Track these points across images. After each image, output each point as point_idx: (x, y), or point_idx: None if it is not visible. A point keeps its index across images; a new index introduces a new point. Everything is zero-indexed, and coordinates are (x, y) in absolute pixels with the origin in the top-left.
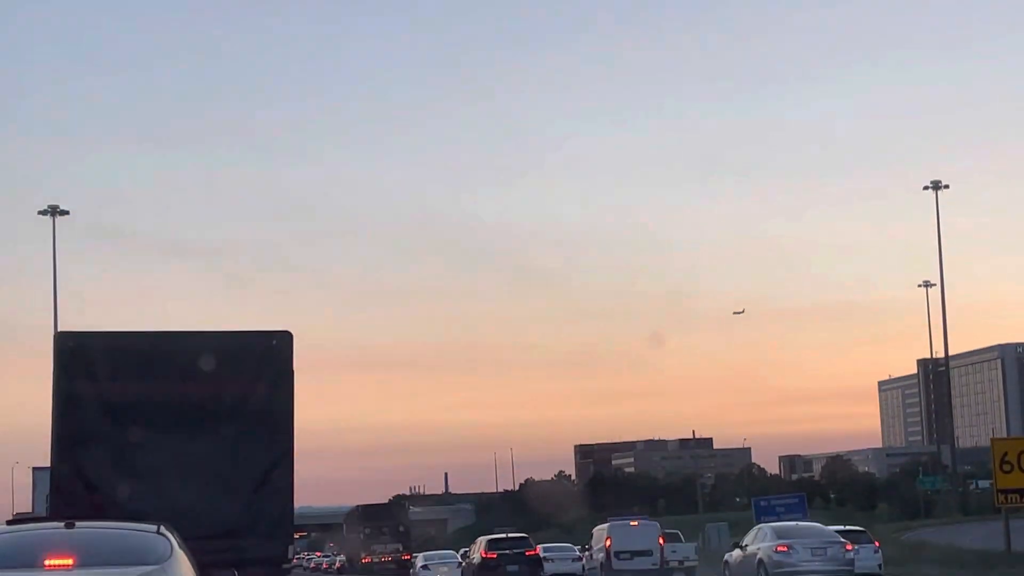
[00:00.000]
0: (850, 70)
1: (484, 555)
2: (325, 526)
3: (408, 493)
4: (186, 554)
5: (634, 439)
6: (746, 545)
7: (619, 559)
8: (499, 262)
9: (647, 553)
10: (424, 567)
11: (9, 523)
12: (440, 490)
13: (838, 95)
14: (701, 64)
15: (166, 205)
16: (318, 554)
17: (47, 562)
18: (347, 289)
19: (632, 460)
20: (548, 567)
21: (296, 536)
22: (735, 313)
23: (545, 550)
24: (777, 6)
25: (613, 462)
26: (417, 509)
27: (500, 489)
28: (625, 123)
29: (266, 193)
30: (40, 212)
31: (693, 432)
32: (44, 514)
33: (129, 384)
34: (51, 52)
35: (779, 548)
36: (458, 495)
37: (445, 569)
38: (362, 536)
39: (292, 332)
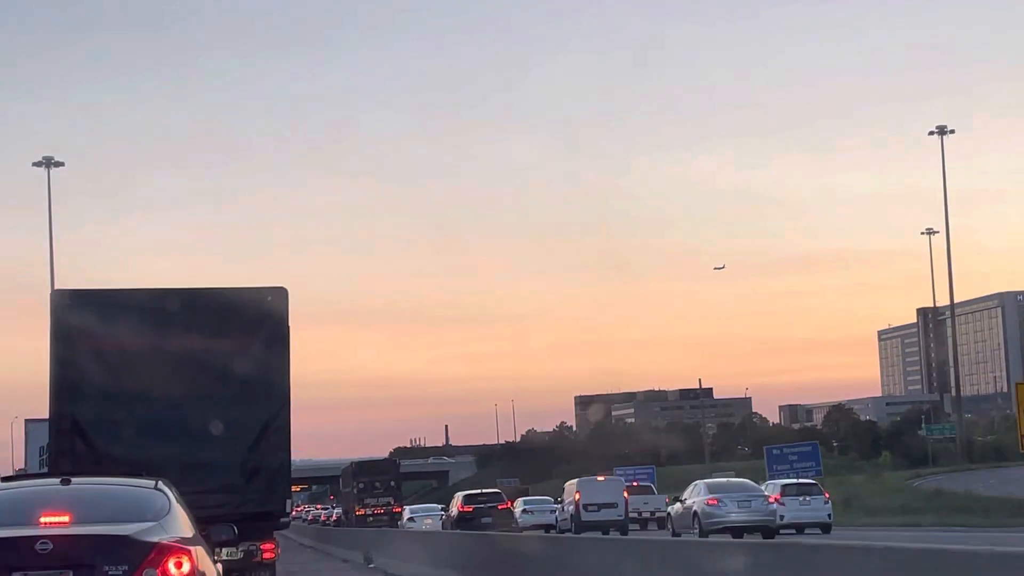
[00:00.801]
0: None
1: (461, 508)
2: (326, 479)
3: (409, 445)
4: (184, 509)
5: (634, 390)
6: (684, 499)
7: (587, 511)
8: (498, 214)
9: (613, 505)
10: (410, 519)
11: (5, 480)
12: (441, 442)
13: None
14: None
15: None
16: (318, 507)
17: (42, 519)
18: (348, 242)
19: (632, 411)
20: (527, 518)
21: (297, 489)
22: (716, 268)
23: (525, 503)
24: None
25: (613, 413)
26: (419, 461)
27: (501, 441)
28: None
29: (269, 133)
30: (35, 164)
31: (700, 381)
32: (37, 467)
33: (125, 340)
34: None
35: (709, 501)
36: (459, 447)
37: (429, 521)
38: (356, 490)
39: (287, 288)
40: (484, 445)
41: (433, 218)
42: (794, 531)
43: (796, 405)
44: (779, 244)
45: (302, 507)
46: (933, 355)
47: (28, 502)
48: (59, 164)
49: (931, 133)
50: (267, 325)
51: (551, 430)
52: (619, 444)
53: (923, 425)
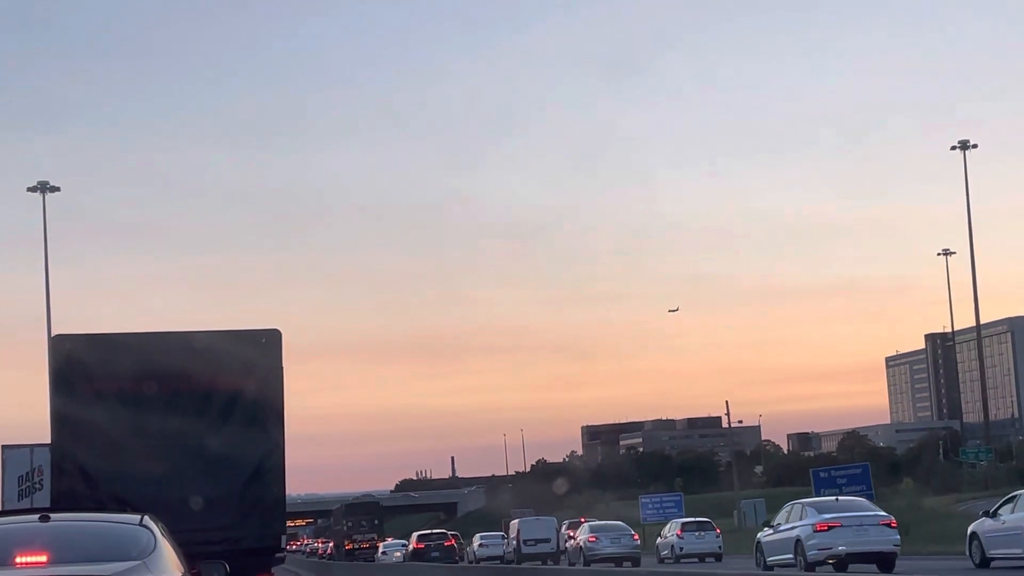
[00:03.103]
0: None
1: (415, 545)
2: (331, 513)
3: (415, 478)
4: (172, 546)
5: (641, 419)
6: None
7: (526, 545)
8: (503, 246)
9: (547, 540)
10: (383, 553)
11: None
12: (447, 474)
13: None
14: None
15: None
16: (319, 541)
17: (18, 559)
18: (351, 278)
19: (640, 440)
20: (483, 551)
21: (303, 523)
22: (670, 311)
23: (481, 537)
24: None
25: (621, 442)
26: (427, 492)
27: (511, 471)
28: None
29: (261, 183)
30: (30, 188)
31: (727, 405)
32: (15, 496)
33: (124, 383)
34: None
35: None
36: (466, 479)
37: (398, 554)
38: (345, 528)
39: (280, 330)
40: (493, 476)
41: (438, 251)
42: (696, 560)
43: (807, 433)
44: (785, 273)
45: (305, 540)
46: (943, 380)
47: (3, 540)
48: (55, 189)
49: (953, 148)
50: (261, 366)
51: (561, 460)
52: (630, 473)
53: (960, 449)
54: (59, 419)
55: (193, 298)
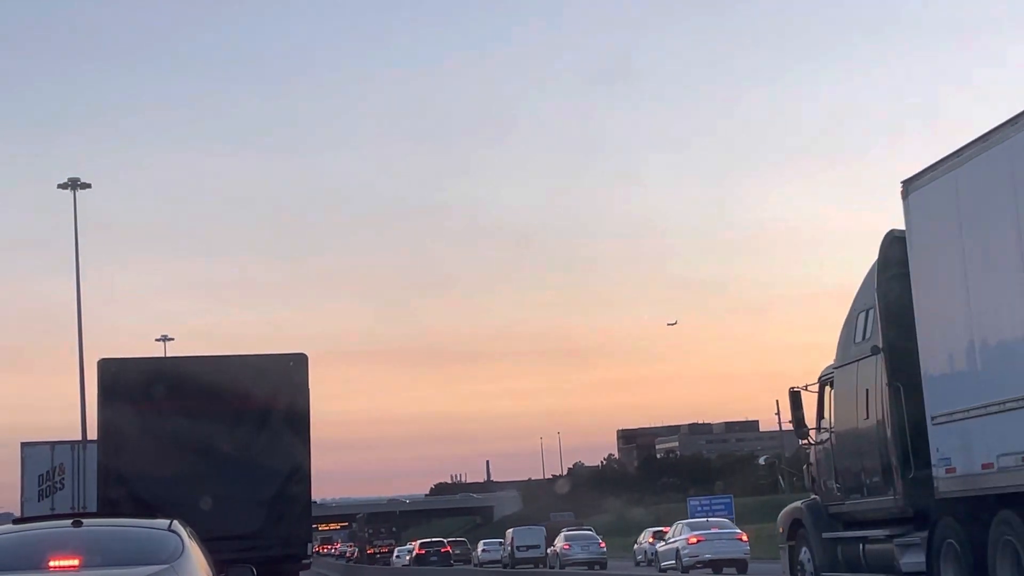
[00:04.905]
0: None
1: (418, 551)
2: (372, 515)
3: (449, 481)
4: (201, 550)
5: (677, 423)
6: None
7: (519, 551)
8: (539, 252)
9: (536, 547)
10: (397, 556)
11: (15, 522)
12: (482, 478)
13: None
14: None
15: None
16: (351, 545)
17: (51, 563)
18: (386, 285)
19: (677, 444)
20: (485, 555)
21: (337, 527)
22: (669, 324)
23: (484, 543)
24: None
25: (657, 446)
26: (460, 496)
27: (548, 475)
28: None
29: (299, 185)
30: (60, 185)
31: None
32: (35, 494)
33: (163, 403)
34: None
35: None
36: (500, 482)
37: (406, 558)
38: (367, 535)
39: (306, 354)
40: (529, 480)
41: (456, 258)
42: (585, 567)
43: None
44: (810, 279)
45: (338, 544)
46: None
47: (38, 545)
48: (86, 186)
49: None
50: (288, 387)
51: (598, 464)
52: (667, 476)
53: None
54: (105, 434)
55: (219, 303)
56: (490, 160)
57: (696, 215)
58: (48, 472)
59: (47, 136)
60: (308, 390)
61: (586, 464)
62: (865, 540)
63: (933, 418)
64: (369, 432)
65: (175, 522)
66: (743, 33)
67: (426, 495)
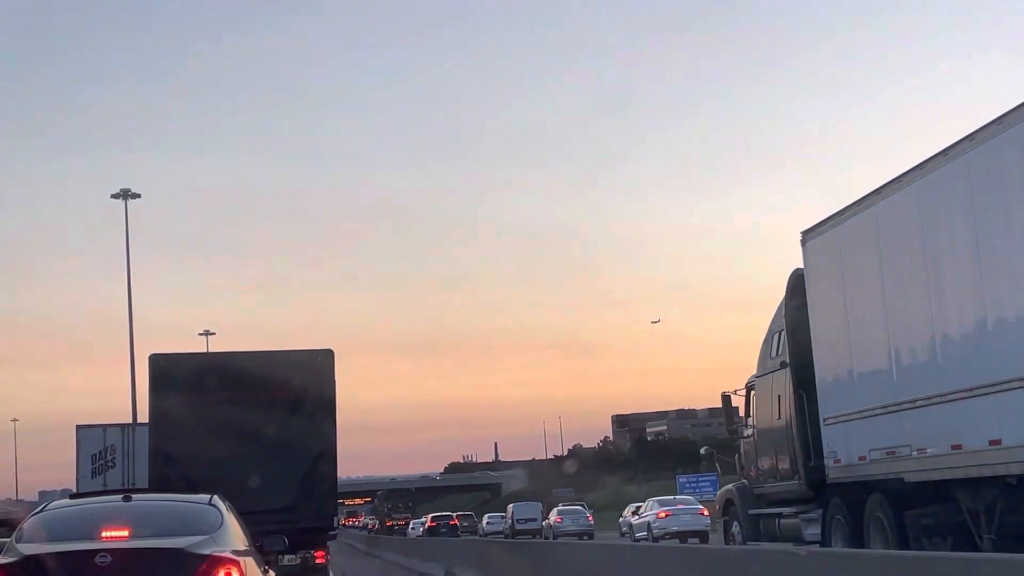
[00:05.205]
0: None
1: (429, 523)
2: (391, 491)
3: (461, 460)
4: (238, 522)
5: (665, 409)
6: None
7: (518, 523)
8: (544, 257)
9: (534, 520)
10: (412, 528)
11: (72, 497)
12: (491, 458)
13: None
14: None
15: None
16: (373, 518)
17: (104, 534)
18: (406, 286)
19: (665, 428)
20: (488, 527)
21: (362, 502)
22: (652, 323)
23: (488, 517)
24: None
25: (648, 429)
26: (472, 475)
27: (550, 455)
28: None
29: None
30: (113, 195)
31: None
32: (89, 473)
33: (206, 393)
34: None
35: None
36: (507, 462)
37: (420, 529)
38: (386, 509)
39: (333, 350)
40: (533, 460)
41: (467, 261)
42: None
43: None
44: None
45: (362, 517)
46: None
47: (91, 518)
48: (136, 196)
49: None
50: (317, 380)
51: (595, 445)
52: (657, 456)
53: None
54: (156, 420)
55: (255, 300)
56: (503, 174)
57: (683, 224)
58: (101, 452)
59: (100, 150)
60: (334, 382)
61: (584, 446)
62: (780, 516)
63: (824, 420)
64: (391, 417)
65: (215, 497)
66: (733, 56)
67: (441, 473)
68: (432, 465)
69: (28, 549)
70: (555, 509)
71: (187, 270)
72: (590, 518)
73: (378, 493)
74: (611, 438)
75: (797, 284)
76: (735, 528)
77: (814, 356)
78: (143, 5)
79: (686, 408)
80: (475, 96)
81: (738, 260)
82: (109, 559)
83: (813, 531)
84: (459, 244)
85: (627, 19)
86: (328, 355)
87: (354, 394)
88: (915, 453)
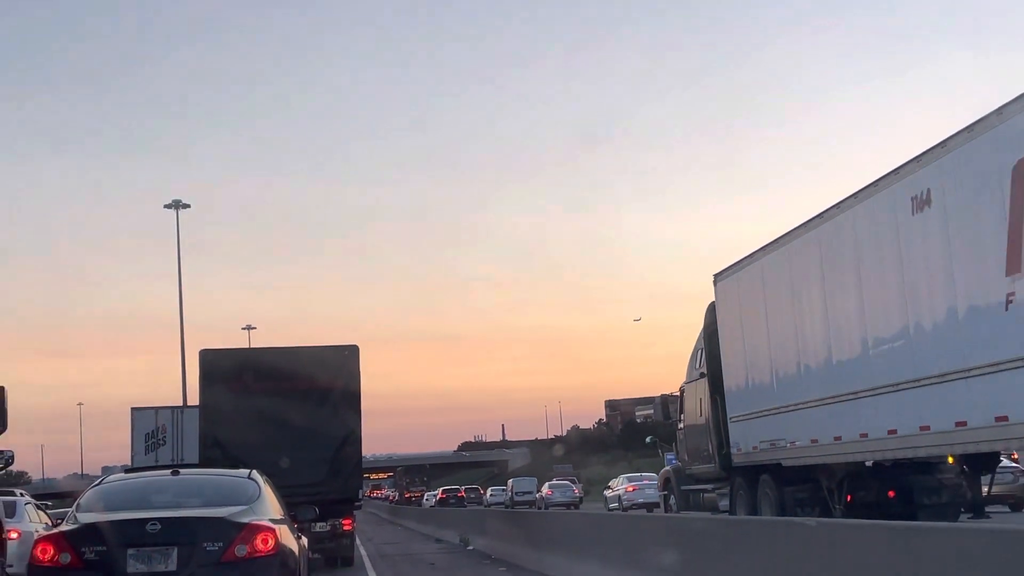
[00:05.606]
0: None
1: (440, 496)
2: (408, 467)
3: (472, 440)
4: (274, 494)
5: (652, 395)
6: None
7: (517, 495)
8: (543, 262)
9: (530, 492)
10: (426, 499)
11: (127, 471)
12: (499, 438)
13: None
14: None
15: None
16: (393, 491)
17: (155, 504)
18: (427, 286)
19: (651, 412)
20: (491, 499)
21: (385, 476)
22: (635, 320)
23: (491, 489)
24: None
25: (636, 413)
26: (481, 452)
27: (551, 435)
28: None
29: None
30: (165, 206)
31: None
32: (142, 451)
33: (248, 383)
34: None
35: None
36: (513, 441)
37: (432, 502)
38: (405, 483)
39: (358, 345)
40: (536, 439)
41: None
42: (564, 507)
43: None
44: None
45: (384, 489)
46: None
47: (143, 490)
48: (186, 206)
49: None
50: (344, 373)
51: (591, 427)
52: (645, 436)
53: None
54: (204, 407)
55: (291, 299)
56: (503, 189)
57: (662, 239)
58: (153, 431)
59: (154, 163)
60: (359, 374)
61: (580, 427)
62: (703, 492)
63: (730, 418)
64: (410, 402)
65: (253, 472)
66: (717, 88)
67: (454, 451)
68: (447, 444)
69: (86, 518)
70: (546, 484)
71: (230, 272)
72: (576, 491)
73: (398, 469)
74: (604, 420)
75: (711, 313)
76: (671, 500)
77: (723, 370)
78: (211, 22)
79: (670, 394)
80: (476, 122)
81: (710, 266)
82: (159, 526)
83: (725, 503)
84: (471, 252)
85: (617, 39)
86: (354, 350)
87: (380, 383)
88: (788, 445)
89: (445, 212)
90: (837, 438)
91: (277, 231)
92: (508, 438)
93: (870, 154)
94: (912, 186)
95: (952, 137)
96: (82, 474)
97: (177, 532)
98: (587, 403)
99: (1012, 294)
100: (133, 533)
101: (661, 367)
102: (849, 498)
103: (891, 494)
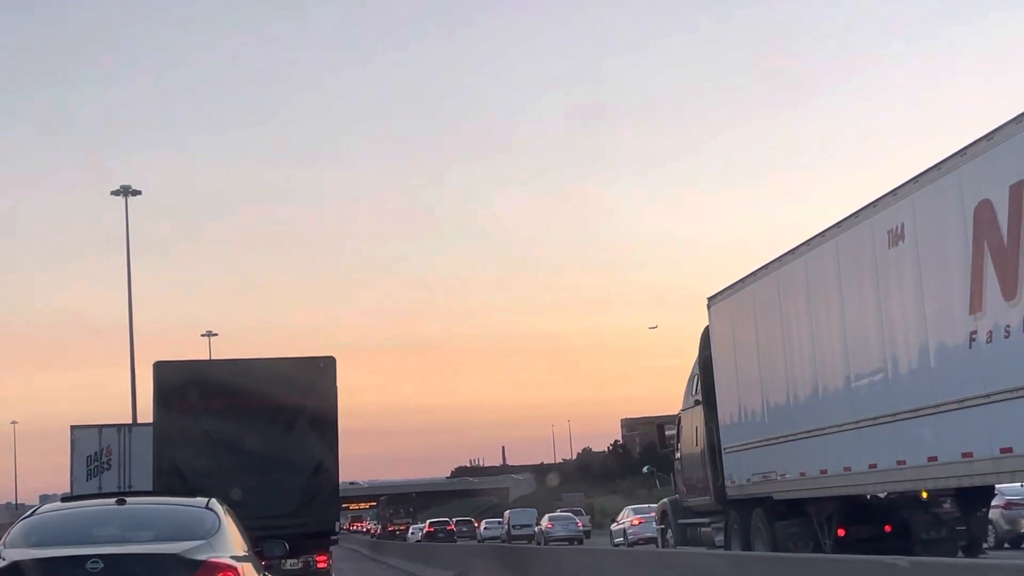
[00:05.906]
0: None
1: (427, 528)
2: (393, 496)
3: (468, 465)
4: (237, 526)
5: (675, 413)
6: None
7: (514, 529)
8: (545, 268)
9: (528, 525)
10: (411, 533)
11: (64, 500)
12: (499, 462)
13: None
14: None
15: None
16: (375, 524)
17: (95, 539)
18: (415, 291)
19: (675, 432)
20: (487, 532)
21: (367, 506)
22: (650, 328)
23: (486, 522)
24: None
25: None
26: (481, 479)
27: (559, 459)
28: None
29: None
30: (113, 192)
31: None
32: (83, 475)
33: (211, 400)
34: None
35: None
36: (514, 466)
37: (418, 535)
38: (388, 514)
39: (335, 357)
40: (541, 464)
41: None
42: (566, 542)
43: None
44: None
45: (367, 521)
46: None
47: (83, 522)
48: (136, 193)
49: None
50: (319, 386)
51: (605, 449)
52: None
53: None
54: (159, 428)
55: (258, 302)
56: (500, 188)
57: (673, 232)
58: (96, 453)
59: (100, 147)
60: (336, 389)
61: (593, 450)
62: (700, 525)
63: (724, 449)
64: (398, 421)
65: (212, 500)
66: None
67: (446, 477)
68: (439, 469)
69: (14, 555)
70: (546, 516)
71: (187, 270)
72: (580, 524)
73: (381, 498)
74: (620, 441)
75: (706, 337)
76: (668, 534)
77: (717, 399)
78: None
79: (665, 419)
80: (462, 109)
81: (734, 265)
82: (101, 565)
83: (720, 538)
84: (469, 255)
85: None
86: (330, 363)
87: (361, 398)
88: (779, 477)
89: (434, 206)
90: (823, 471)
91: (241, 224)
92: (509, 462)
93: (923, 143)
94: (889, 219)
95: (924, 173)
96: (16, 504)
97: (123, 571)
98: (601, 422)
99: (975, 332)
100: (70, 573)
101: (683, 381)
102: (843, 532)
103: (888, 528)
